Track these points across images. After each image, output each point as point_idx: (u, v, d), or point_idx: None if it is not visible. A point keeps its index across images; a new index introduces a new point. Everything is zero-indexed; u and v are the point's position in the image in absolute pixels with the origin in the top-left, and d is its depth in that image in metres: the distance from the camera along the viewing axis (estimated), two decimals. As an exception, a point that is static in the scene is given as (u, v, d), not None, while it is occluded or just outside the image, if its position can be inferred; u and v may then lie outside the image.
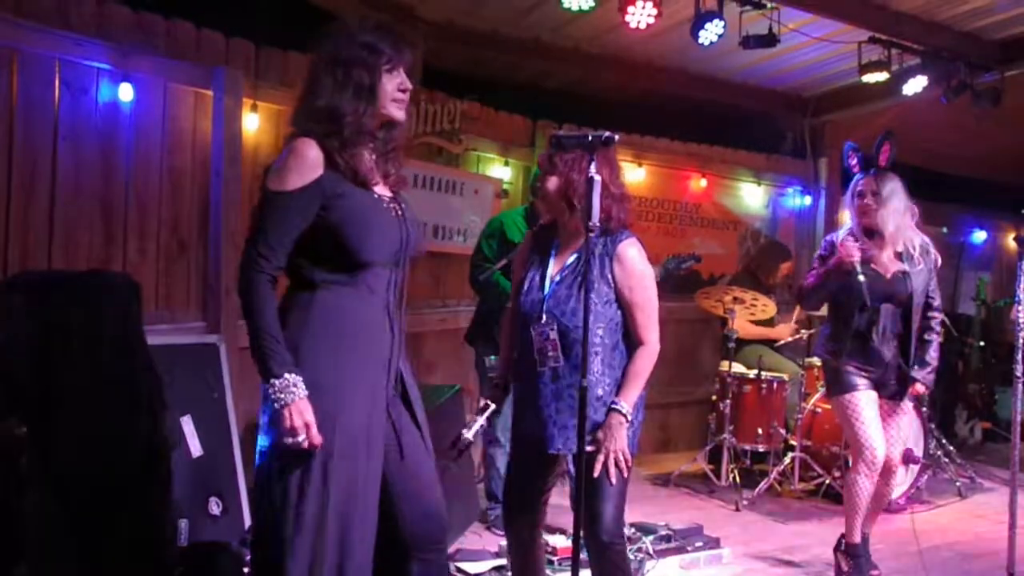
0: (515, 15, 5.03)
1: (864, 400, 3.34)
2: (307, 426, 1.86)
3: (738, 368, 5.15)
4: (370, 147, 2.04)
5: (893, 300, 3.34)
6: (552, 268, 2.52)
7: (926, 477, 4.86)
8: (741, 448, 5.08)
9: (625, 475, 2.41)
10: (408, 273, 2.12)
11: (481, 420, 2.56)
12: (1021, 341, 3.22)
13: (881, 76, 5.00)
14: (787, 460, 4.92)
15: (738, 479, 4.94)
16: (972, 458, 5.83)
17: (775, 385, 5.05)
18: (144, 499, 2.90)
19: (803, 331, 5.33)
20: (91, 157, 3.53)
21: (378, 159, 2.06)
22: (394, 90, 2.04)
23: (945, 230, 7.76)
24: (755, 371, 5.07)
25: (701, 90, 6.09)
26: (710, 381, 5.56)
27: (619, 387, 2.43)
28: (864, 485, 3.34)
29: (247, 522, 3.51)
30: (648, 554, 3.59)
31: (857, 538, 3.45)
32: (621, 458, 2.38)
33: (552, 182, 2.48)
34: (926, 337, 3.40)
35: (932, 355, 3.39)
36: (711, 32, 4.37)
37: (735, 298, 4.95)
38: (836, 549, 3.53)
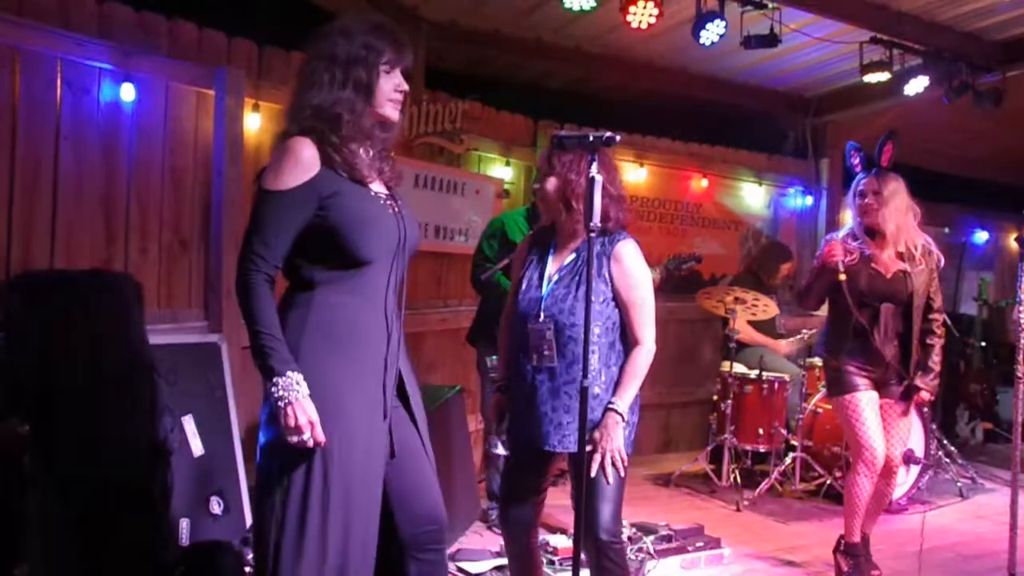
0: (517, 15, 5.04)
1: (864, 401, 3.34)
2: (310, 424, 1.86)
3: (739, 368, 5.15)
4: (366, 144, 2.04)
5: (893, 300, 3.34)
6: (550, 268, 2.53)
7: (927, 477, 4.85)
8: (742, 448, 5.08)
9: (622, 474, 2.42)
10: (406, 269, 2.12)
11: (503, 434, 2.61)
12: (1022, 341, 3.22)
13: (883, 76, 5.00)
14: (788, 460, 4.92)
15: (739, 479, 4.95)
16: (973, 458, 5.82)
17: (776, 385, 5.05)
18: (145, 498, 2.91)
19: (804, 332, 5.33)
20: (93, 157, 3.53)
21: (373, 156, 2.06)
22: (391, 91, 2.04)
23: (947, 230, 7.76)
24: (756, 371, 5.07)
25: (702, 90, 6.09)
26: (711, 381, 5.56)
27: (616, 386, 2.44)
28: (863, 485, 3.34)
29: (248, 521, 3.51)
30: (649, 554, 3.59)
31: (856, 538, 3.45)
32: (618, 457, 2.39)
33: (551, 183, 2.49)
34: (928, 341, 3.40)
35: (935, 360, 3.39)
36: (712, 32, 4.36)
37: (736, 298, 4.95)
38: (836, 550, 3.53)
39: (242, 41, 4.06)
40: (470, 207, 5.10)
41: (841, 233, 3.47)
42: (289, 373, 1.87)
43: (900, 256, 3.36)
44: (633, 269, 2.47)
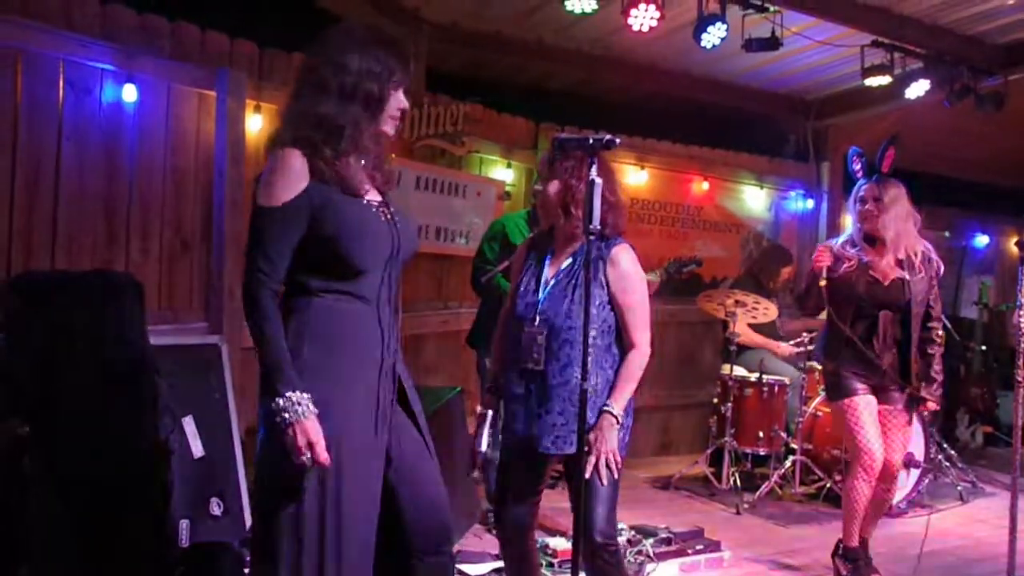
0: (518, 17, 5.04)
1: (863, 405, 3.34)
2: (311, 445, 1.85)
3: (739, 371, 5.16)
4: (359, 157, 2.02)
5: (891, 307, 3.34)
6: (548, 272, 2.54)
7: (927, 481, 4.85)
8: (742, 451, 5.08)
9: (616, 476, 2.43)
10: (400, 276, 2.12)
11: (485, 429, 2.59)
12: (1023, 345, 3.22)
13: (884, 80, 5.00)
14: (788, 464, 4.92)
15: (739, 482, 4.94)
16: (973, 462, 5.83)
17: (776, 388, 5.05)
18: (146, 499, 2.91)
19: (804, 334, 5.33)
20: (95, 157, 3.54)
21: (365, 164, 2.05)
22: (394, 108, 2.04)
23: (947, 234, 7.75)
24: (756, 374, 5.07)
25: (704, 93, 6.10)
26: (711, 384, 5.55)
27: (611, 389, 2.45)
28: (862, 490, 3.34)
29: (248, 523, 3.51)
30: (648, 557, 3.59)
31: (855, 542, 3.45)
32: (612, 459, 2.40)
33: (552, 186, 2.50)
34: (929, 351, 3.40)
35: (936, 369, 3.40)
36: (714, 35, 4.36)
37: (737, 301, 4.96)
38: (834, 554, 3.53)
39: (244, 43, 4.07)
40: (471, 209, 5.11)
41: (840, 239, 3.48)
42: (290, 394, 1.85)
43: (899, 263, 3.36)
44: (628, 273, 2.48)
